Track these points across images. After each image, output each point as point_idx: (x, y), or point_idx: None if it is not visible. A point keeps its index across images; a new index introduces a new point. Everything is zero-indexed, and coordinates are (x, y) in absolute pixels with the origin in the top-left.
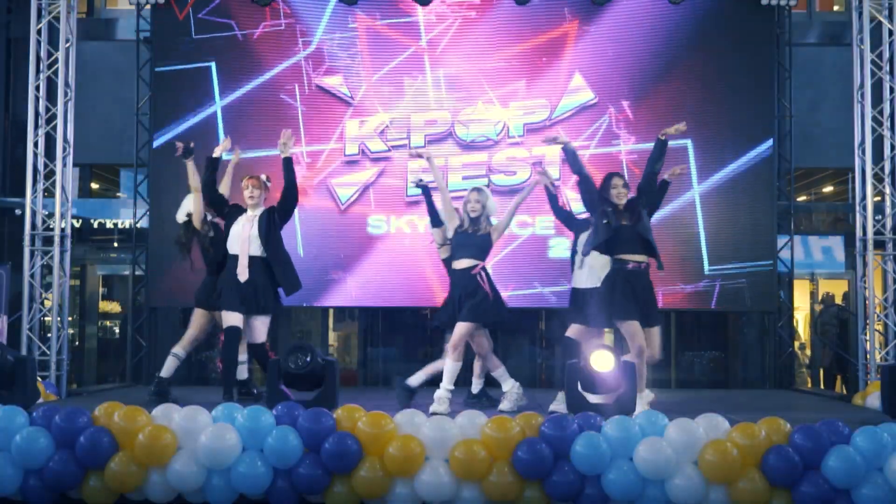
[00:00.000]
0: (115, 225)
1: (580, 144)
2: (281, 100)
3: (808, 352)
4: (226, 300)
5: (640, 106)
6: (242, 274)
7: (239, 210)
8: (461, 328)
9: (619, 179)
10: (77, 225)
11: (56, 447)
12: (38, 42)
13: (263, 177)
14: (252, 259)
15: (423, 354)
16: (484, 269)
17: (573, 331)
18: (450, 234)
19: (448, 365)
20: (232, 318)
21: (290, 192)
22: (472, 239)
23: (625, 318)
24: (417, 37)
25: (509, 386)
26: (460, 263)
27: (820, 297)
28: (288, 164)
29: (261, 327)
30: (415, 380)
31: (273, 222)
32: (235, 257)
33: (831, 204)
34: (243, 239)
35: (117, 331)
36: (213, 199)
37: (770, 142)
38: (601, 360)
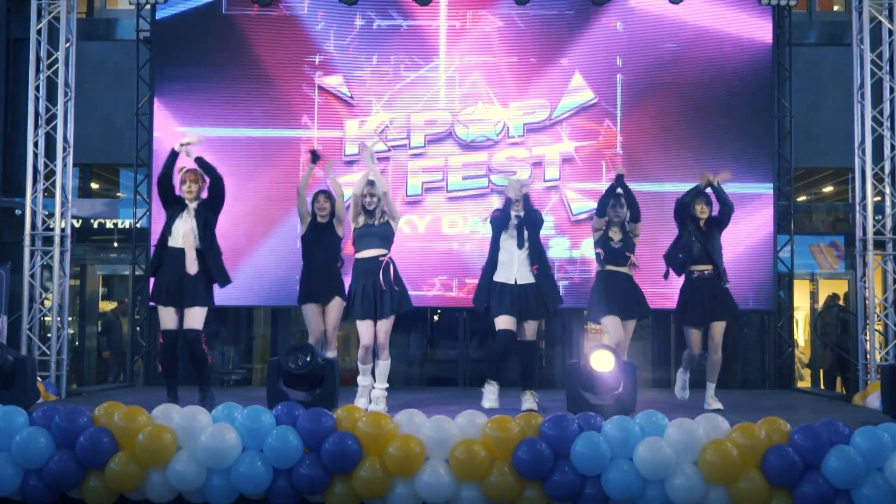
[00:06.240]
0: (115, 225)
1: (579, 145)
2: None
3: (808, 352)
4: (173, 296)
5: (639, 105)
6: (192, 267)
7: (181, 203)
8: (385, 325)
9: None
10: (77, 225)
11: (56, 447)
12: (38, 42)
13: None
14: (197, 252)
15: (423, 354)
16: (390, 259)
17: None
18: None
19: (380, 366)
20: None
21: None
22: (373, 229)
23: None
24: (417, 37)
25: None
26: (364, 253)
27: (821, 298)
28: (199, 161)
29: (199, 316)
30: None
31: (208, 216)
32: (181, 251)
33: (831, 204)
34: (186, 232)
35: None
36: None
37: (770, 143)
38: (601, 360)
